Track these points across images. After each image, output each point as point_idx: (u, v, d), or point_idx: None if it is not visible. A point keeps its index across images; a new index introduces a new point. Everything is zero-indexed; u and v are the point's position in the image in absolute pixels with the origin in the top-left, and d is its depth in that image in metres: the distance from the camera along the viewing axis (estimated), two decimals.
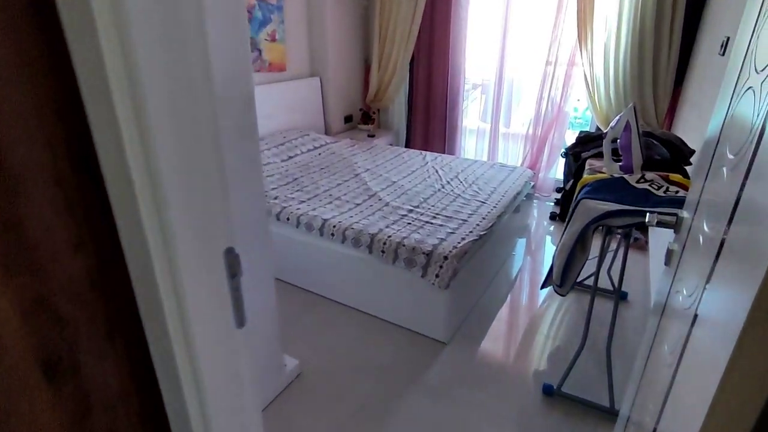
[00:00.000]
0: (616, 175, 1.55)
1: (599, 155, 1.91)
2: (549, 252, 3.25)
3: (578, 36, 3.45)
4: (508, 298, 2.62)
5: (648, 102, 3.35)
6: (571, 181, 3.61)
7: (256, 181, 1.52)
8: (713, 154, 0.96)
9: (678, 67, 3.21)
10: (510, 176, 3.14)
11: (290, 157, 3.40)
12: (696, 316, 0.75)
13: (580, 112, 5.02)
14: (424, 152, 3.69)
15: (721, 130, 0.94)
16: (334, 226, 2.35)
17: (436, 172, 3.20)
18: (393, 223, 2.37)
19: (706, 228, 0.84)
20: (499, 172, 3.23)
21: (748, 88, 0.78)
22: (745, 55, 0.89)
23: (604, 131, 2.15)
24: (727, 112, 0.92)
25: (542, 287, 1.78)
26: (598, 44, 3.40)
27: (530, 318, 2.45)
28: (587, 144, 2.04)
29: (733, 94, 0.91)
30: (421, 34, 4.12)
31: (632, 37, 3.19)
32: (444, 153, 4.32)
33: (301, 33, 3.94)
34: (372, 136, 4.24)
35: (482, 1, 4.03)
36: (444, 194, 2.79)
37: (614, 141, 1.75)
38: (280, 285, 2.68)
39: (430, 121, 4.38)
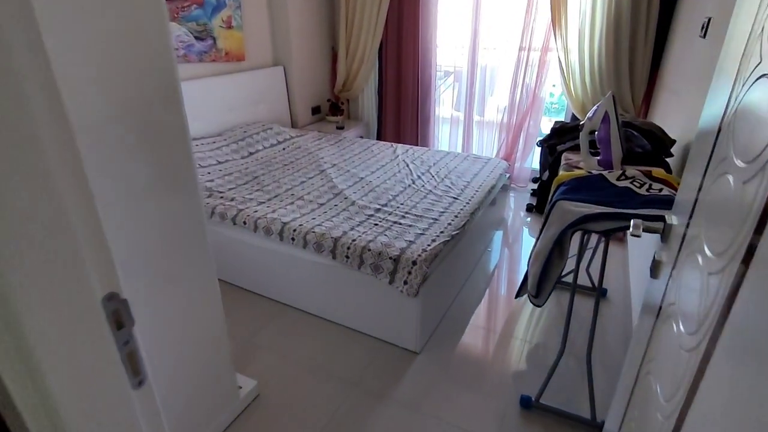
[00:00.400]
0: (594, 172, 1.41)
1: (576, 148, 1.77)
2: (527, 246, 3.13)
3: (552, 20, 3.30)
4: (485, 298, 2.49)
5: (624, 88, 3.24)
6: (547, 172, 3.50)
7: (187, 186, 1.31)
8: (710, 155, 0.81)
9: (654, 50, 3.10)
10: (484, 168, 2.99)
11: (251, 153, 3.18)
12: (710, 351, 0.60)
13: (557, 97, 4.91)
14: (395, 145, 3.51)
15: (720, 125, 0.79)
16: (295, 230, 2.16)
17: (407, 166, 3.03)
18: (358, 225, 2.19)
19: (711, 245, 0.69)
20: (472, 164, 3.08)
21: (761, 76, 0.62)
22: (749, 36, 0.74)
23: (581, 122, 2.00)
24: (728, 104, 0.77)
25: (517, 296, 1.64)
26: (572, 29, 3.26)
27: (507, 319, 2.32)
28: (563, 136, 1.89)
29: (734, 82, 0.76)
30: (390, 20, 3.91)
31: (608, 20, 3.06)
32: (417, 145, 4.16)
33: (261, 19, 3.68)
34: (341, 128, 4.03)
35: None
36: (414, 190, 2.62)
37: (592, 133, 1.61)
38: (239, 293, 2.48)
39: (402, 112, 4.19)
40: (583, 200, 1.28)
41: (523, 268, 2.80)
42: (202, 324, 1.50)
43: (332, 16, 4.21)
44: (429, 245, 2.00)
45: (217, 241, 2.48)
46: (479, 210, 2.50)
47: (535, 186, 3.82)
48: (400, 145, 3.50)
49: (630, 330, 2.19)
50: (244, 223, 2.30)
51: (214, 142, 3.12)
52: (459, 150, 4.12)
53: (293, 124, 4.07)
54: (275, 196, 2.54)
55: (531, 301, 1.44)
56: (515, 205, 3.77)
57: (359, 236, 2.07)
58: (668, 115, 2.59)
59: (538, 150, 3.72)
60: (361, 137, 4.22)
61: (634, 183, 1.32)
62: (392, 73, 4.10)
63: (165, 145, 1.21)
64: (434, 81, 4.07)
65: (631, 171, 1.35)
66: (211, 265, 1.47)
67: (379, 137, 4.34)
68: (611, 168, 1.50)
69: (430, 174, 2.87)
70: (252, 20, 3.56)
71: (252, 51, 3.61)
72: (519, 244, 3.16)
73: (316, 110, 4.28)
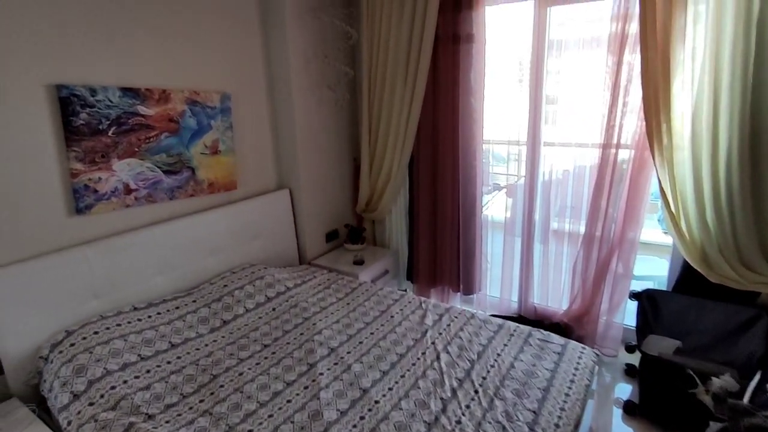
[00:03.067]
0: None
1: None
2: None
3: (647, 129, 2.31)
4: None
5: None
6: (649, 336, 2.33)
7: None
8: None
9: None
10: (559, 370, 1.91)
11: (225, 323, 2.33)
12: None
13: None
14: (425, 303, 2.53)
15: None
16: None
17: (437, 358, 2.02)
18: None
19: None
20: (539, 357, 2.01)
21: None
22: None
23: None
24: None
25: None
26: (680, 138, 2.24)
27: None
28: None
29: None
30: (422, 130, 3.11)
31: (740, 128, 2.03)
32: (458, 287, 3.17)
33: (261, 138, 3.01)
34: (360, 262, 3.14)
35: (499, 87, 3.03)
36: None
37: None
38: None
39: (438, 238, 3.26)
40: None
41: None
42: None
43: (353, 124, 3.50)
44: None
45: None
46: None
47: (633, 358, 2.63)
48: (432, 303, 2.52)
49: None
50: None
51: (177, 308, 2.31)
52: (515, 296, 3.07)
53: (301, 259, 3.24)
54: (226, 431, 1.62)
55: None
56: (602, 387, 2.58)
57: None
58: None
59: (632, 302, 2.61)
60: (387, 273, 3.30)
61: None
62: (426, 192, 3.24)
63: None
64: (480, 201, 3.14)
65: None
66: None
67: (410, 273, 3.39)
68: None
69: (472, 384, 1.84)
70: (247, 141, 2.89)
71: (247, 177, 2.91)
72: None
73: (332, 235, 3.46)
